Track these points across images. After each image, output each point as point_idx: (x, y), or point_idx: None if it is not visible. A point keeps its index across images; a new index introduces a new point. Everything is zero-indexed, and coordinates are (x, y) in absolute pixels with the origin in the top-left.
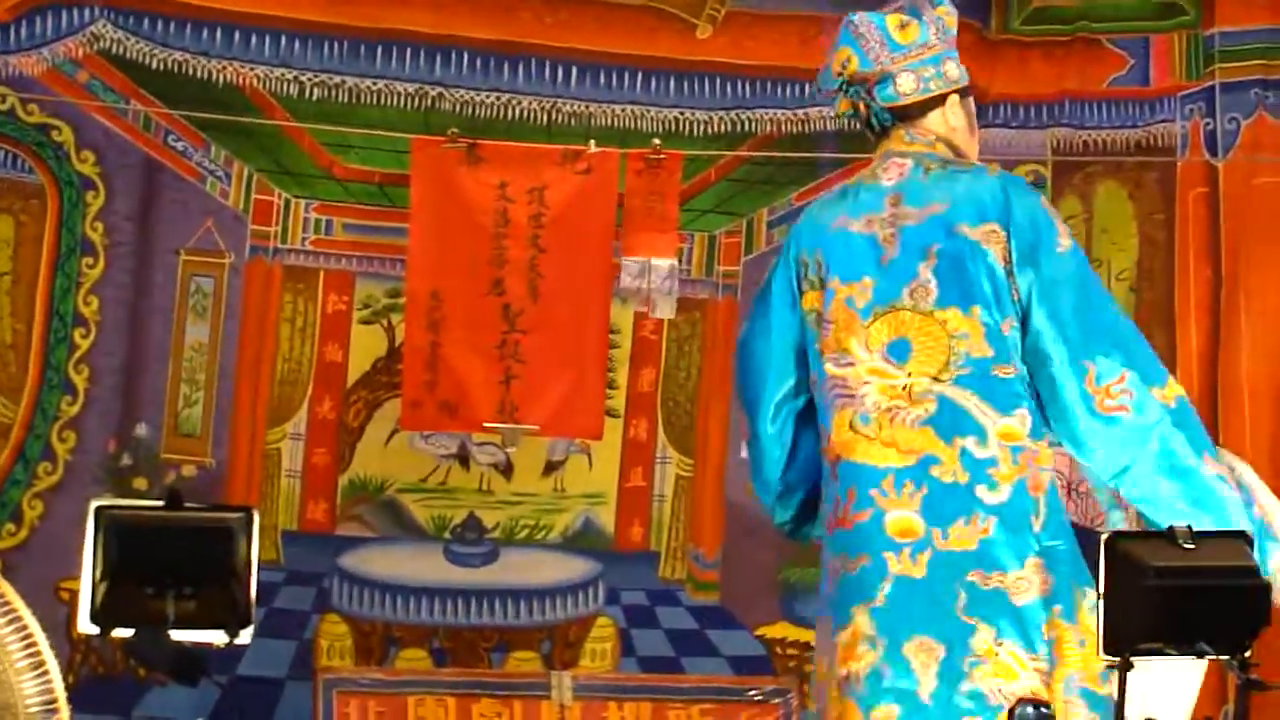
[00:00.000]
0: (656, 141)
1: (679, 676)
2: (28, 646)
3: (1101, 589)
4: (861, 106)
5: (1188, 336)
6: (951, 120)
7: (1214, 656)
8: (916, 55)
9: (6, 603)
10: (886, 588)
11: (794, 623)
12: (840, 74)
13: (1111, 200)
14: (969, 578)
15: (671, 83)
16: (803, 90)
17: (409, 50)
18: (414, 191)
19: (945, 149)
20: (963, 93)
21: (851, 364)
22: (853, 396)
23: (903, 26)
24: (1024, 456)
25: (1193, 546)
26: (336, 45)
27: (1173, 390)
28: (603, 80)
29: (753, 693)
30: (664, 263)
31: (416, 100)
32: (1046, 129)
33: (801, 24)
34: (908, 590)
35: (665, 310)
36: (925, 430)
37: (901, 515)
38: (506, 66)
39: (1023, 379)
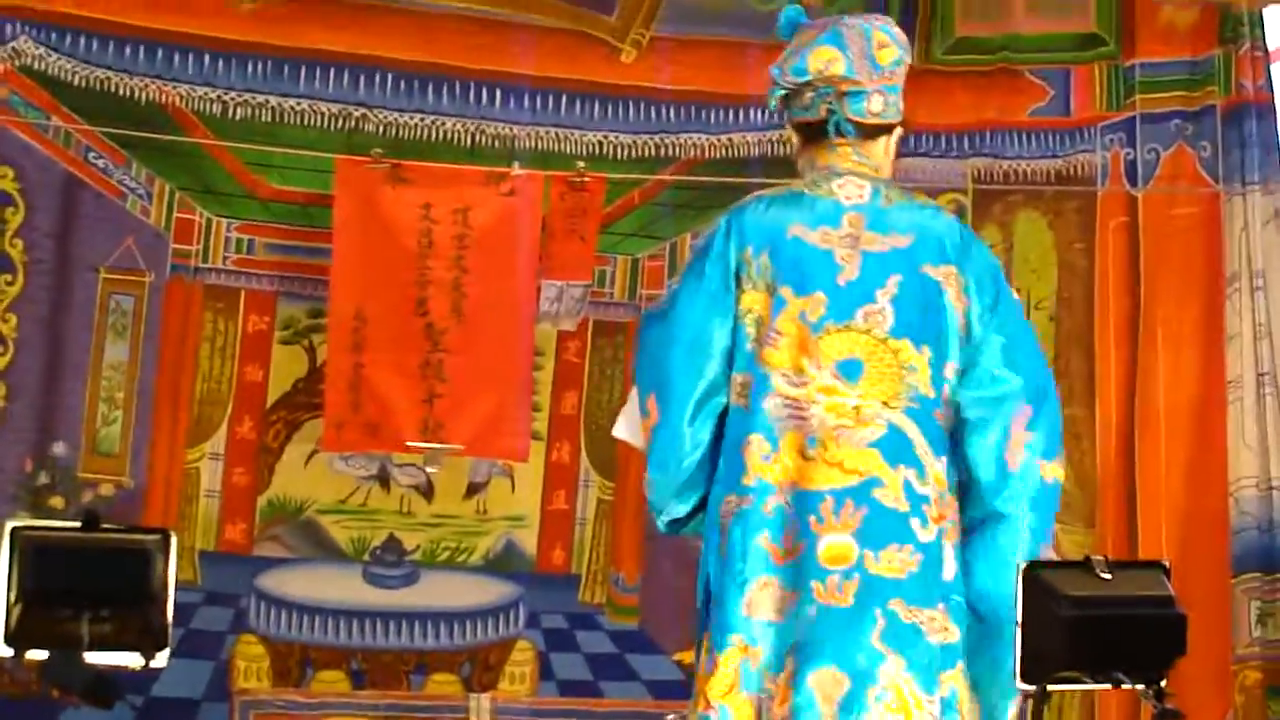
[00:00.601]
0: (581, 164)
1: (597, 700)
2: None
3: (1019, 618)
4: (823, 109)
5: (1106, 363)
6: (890, 149)
7: (1130, 686)
8: (888, 79)
9: None
10: (806, 625)
11: None
12: (819, 72)
13: (1031, 229)
14: (891, 605)
15: (596, 106)
16: (727, 115)
17: (333, 70)
18: (337, 211)
19: (882, 175)
20: (903, 125)
21: (805, 383)
22: (804, 420)
23: (882, 46)
24: (947, 503)
25: (1109, 576)
26: (260, 64)
27: (1055, 471)
28: (527, 103)
29: (670, 717)
30: (579, 286)
31: (340, 120)
32: (967, 158)
33: (725, 50)
34: (828, 622)
35: (568, 325)
36: (872, 452)
37: (836, 540)
38: (430, 88)
39: (946, 426)
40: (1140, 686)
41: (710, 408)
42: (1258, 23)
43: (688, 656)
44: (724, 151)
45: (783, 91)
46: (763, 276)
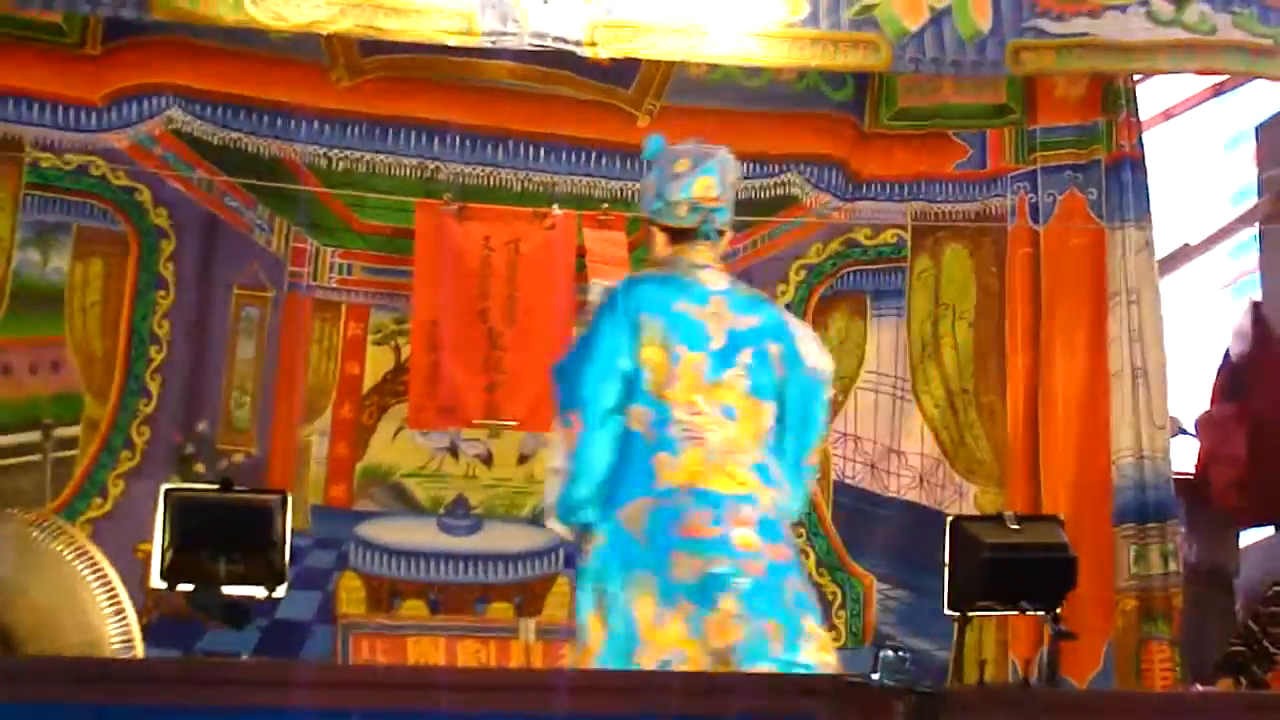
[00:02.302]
0: (605, 205)
1: None
2: (111, 597)
3: (947, 559)
4: (697, 220)
5: (1015, 361)
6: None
7: (1033, 613)
8: (731, 197)
9: (95, 563)
10: (744, 584)
11: None
12: (701, 195)
13: (956, 258)
14: (789, 581)
15: (617, 160)
16: None
17: (413, 132)
18: (417, 243)
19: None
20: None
21: (700, 414)
22: (702, 441)
23: (734, 173)
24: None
25: (1017, 527)
26: (356, 128)
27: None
28: (564, 157)
29: None
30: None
31: (419, 172)
32: (906, 202)
33: (720, 116)
34: (757, 587)
35: None
36: (754, 474)
37: (744, 533)
38: (489, 146)
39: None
40: (1041, 613)
41: (612, 423)
42: (1131, 96)
43: None
44: None
45: (661, 204)
46: (657, 336)
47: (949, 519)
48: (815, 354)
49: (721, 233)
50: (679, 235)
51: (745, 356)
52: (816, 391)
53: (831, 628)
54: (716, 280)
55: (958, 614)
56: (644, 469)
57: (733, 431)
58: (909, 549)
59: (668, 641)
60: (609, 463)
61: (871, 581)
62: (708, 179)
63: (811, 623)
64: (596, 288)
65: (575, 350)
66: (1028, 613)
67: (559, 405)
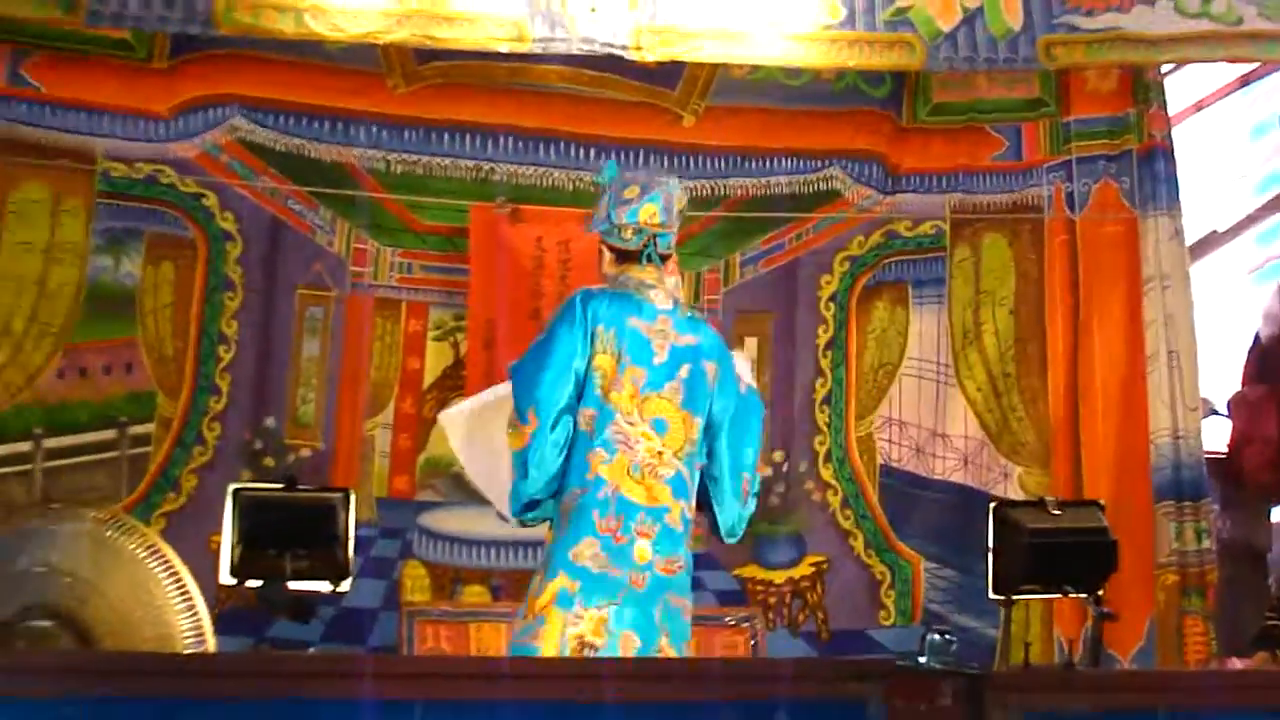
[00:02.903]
0: None
1: None
2: (182, 592)
3: (991, 545)
4: (642, 244)
5: (1055, 345)
6: (673, 266)
7: (1075, 595)
8: (676, 224)
9: (166, 560)
10: (623, 596)
11: (760, 565)
12: (646, 221)
13: (995, 247)
14: (667, 596)
15: (665, 159)
16: (763, 164)
17: (468, 136)
18: (472, 245)
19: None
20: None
21: (633, 424)
22: (631, 449)
23: (680, 200)
24: (696, 521)
25: (1059, 512)
26: (413, 132)
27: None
28: (613, 157)
29: (728, 619)
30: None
31: (474, 173)
32: (944, 194)
33: (762, 115)
34: (632, 599)
35: None
36: (667, 488)
37: (644, 545)
38: (541, 147)
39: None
40: (1083, 595)
41: (564, 422)
42: (1160, 89)
43: (744, 571)
44: (762, 191)
45: (609, 226)
46: (610, 347)
47: (992, 505)
48: (748, 376)
49: (665, 256)
50: (624, 256)
51: (683, 372)
52: (755, 409)
53: (881, 607)
54: (663, 300)
55: (1002, 598)
56: (582, 462)
57: (658, 444)
58: (956, 530)
59: (559, 622)
60: (559, 460)
61: (919, 561)
62: (653, 206)
63: (665, 642)
64: None
65: (532, 352)
66: (1069, 595)
67: (515, 404)
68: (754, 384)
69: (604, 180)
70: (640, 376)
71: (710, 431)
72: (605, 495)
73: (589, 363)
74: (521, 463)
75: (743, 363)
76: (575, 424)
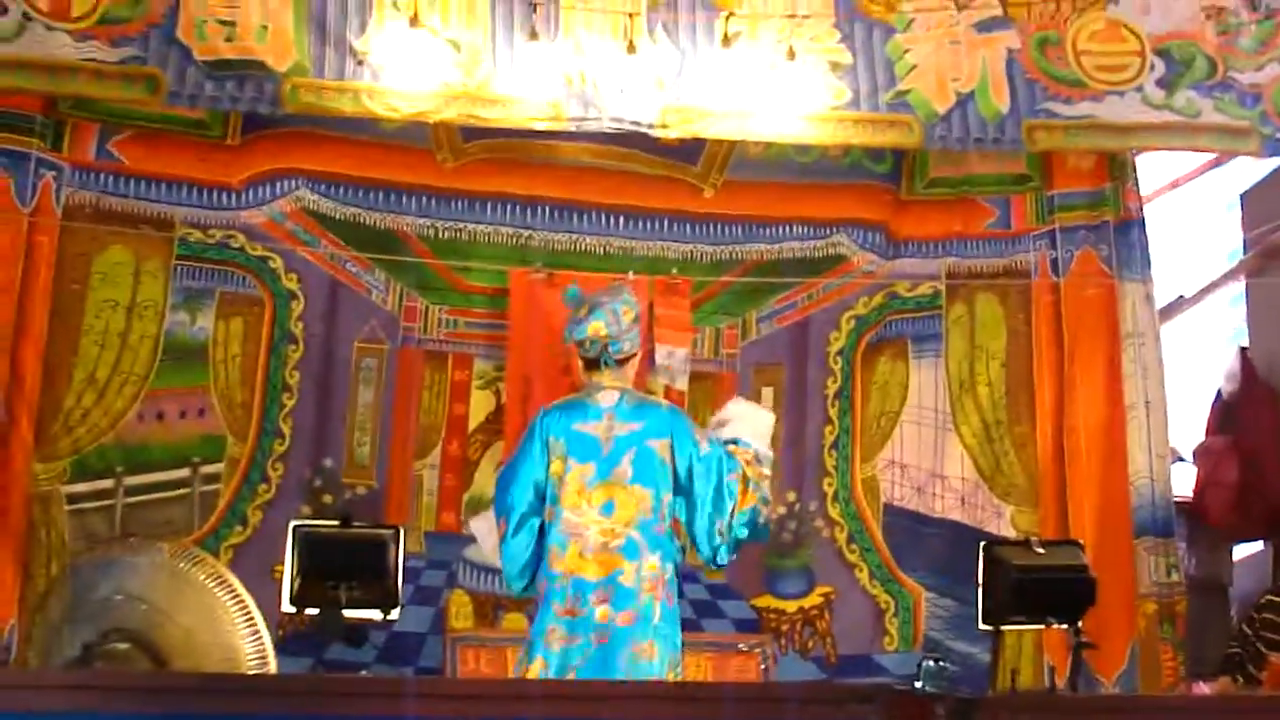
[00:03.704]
0: (674, 270)
1: (692, 634)
2: (247, 618)
3: (980, 579)
4: (596, 351)
5: (1043, 395)
6: (634, 369)
7: (1057, 626)
8: (629, 330)
9: (233, 589)
10: (588, 654)
11: (774, 595)
12: (594, 334)
13: (988, 306)
14: (630, 647)
15: (687, 227)
16: (774, 232)
17: (508, 205)
18: (511, 307)
19: (632, 386)
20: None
21: (582, 516)
22: (582, 537)
23: (626, 314)
24: (657, 578)
25: (1043, 551)
26: (459, 202)
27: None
28: (640, 225)
29: (740, 645)
30: (681, 351)
31: (514, 239)
32: (941, 258)
33: (775, 188)
34: (599, 655)
35: (681, 383)
36: (619, 556)
37: (603, 609)
38: (574, 216)
39: (667, 533)
40: (1065, 625)
41: (528, 525)
42: (1133, 167)
43: (760, 601)
44: (775, 256)
45: (571, 342)
46: (561, 455)
47: (981, 544)
48: (753, 430)
49: (623, 359)
50: (588, 364)
51: (629, 456)
52: (713, 465)
53: (885, 634)
54: (609, 398)
55: (991, 628)
56: (545, 556)
57: (609, 523)
58: (953, 563)
59: None
60: (526, 555)
61: (920, 592)
62: (598, 322)
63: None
64: (663, 350)
65: (508, 463)
66: (1052, 626)
67: (494, 509)
68: (741, 436)
69: (567, 303)
70: (588, 472)
71: (681, 489)
72: (562, 585)
73: (546, 470)
74: (500, 557)
75: (753, 412)
76: (541, 523)
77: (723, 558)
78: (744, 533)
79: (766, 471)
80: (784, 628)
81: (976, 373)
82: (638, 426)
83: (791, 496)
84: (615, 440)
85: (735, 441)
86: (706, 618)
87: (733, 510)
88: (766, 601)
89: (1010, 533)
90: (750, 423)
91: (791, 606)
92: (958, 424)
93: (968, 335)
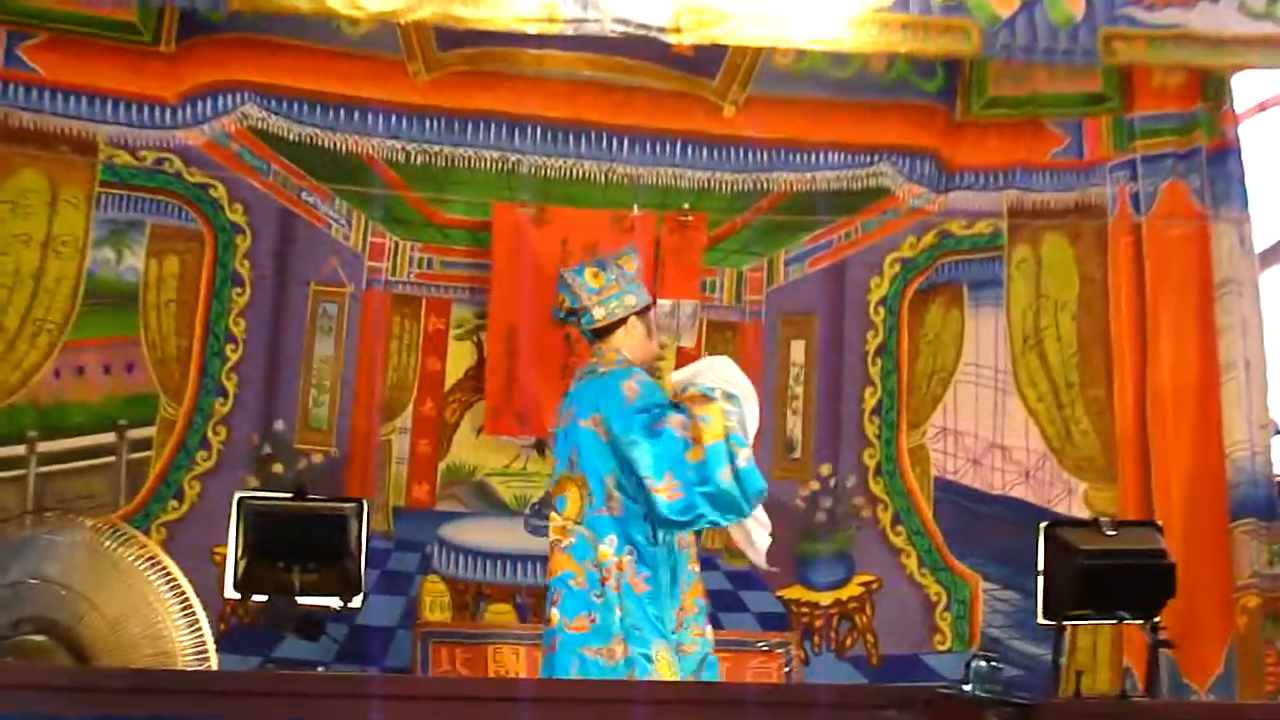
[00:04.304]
0: (686, 206)
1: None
2: (184, 606)
3: (1041, 567)
4: (573, 325)
5: (1122, 354)
6: (630, 334)
7: (1131, 622)
8: (605, 295)
9: (167, 572)
10: (541, 662)
11: (806, 586)
12: (562, 310)
13: (1056, 248)
14: (582, 650)
15: (704, 152)
16: (805, 158)
17: (492, 126)
18: (494, 246)
19: (622, 356)
20: (641, 312)
21: (550, 520)
22: (554, 541)
23: (595, 275)
24: (614, 565)
25: (1114, 533)
26: (435, 122)
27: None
28: (648, 149)
29: (760, 644)
30: (688, 304)
31: (499, 165)
32: (1002, 191)
33: (807, 107)
34: (548, 662)
35: (688, 341)
36: (568, 555)
37: (553, 611)
38: (571, 138)
39: (612, 516)
40: (1139, 622)
41: None
42: (1229, 87)
43: (789, 593)
44: (806, 187)
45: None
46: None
47: (1042, 526)
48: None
49: (601, 329)
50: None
51: (574, 446)
52: (625, 424)
53: (936, 630)
54: (575, 383)
55: (1052, 623)
56: None
57: (561, 520)
58: (1017, 548)
59: None
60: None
61: (977, 581)
62: (560, 297)
63: None
64: (664, 305)
65: None
66: (1125, 622)
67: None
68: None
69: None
70: (556, 465)
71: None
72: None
73: None
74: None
75: (724, 366)
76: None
77: (675, 515)
78: (718, 478)
79: (745, 412)
80: (817, 623)
81: (1043, 325)
82: (572, 411)
83: (826, 470)
84: (561, 434)
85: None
86: (725, 611)
87: (687, 457)
88: (797, 593)
89: (1083, 513)
90: (719, 372)
91: (826, 598)
92: (1021, 385)
93: (1033, 282)
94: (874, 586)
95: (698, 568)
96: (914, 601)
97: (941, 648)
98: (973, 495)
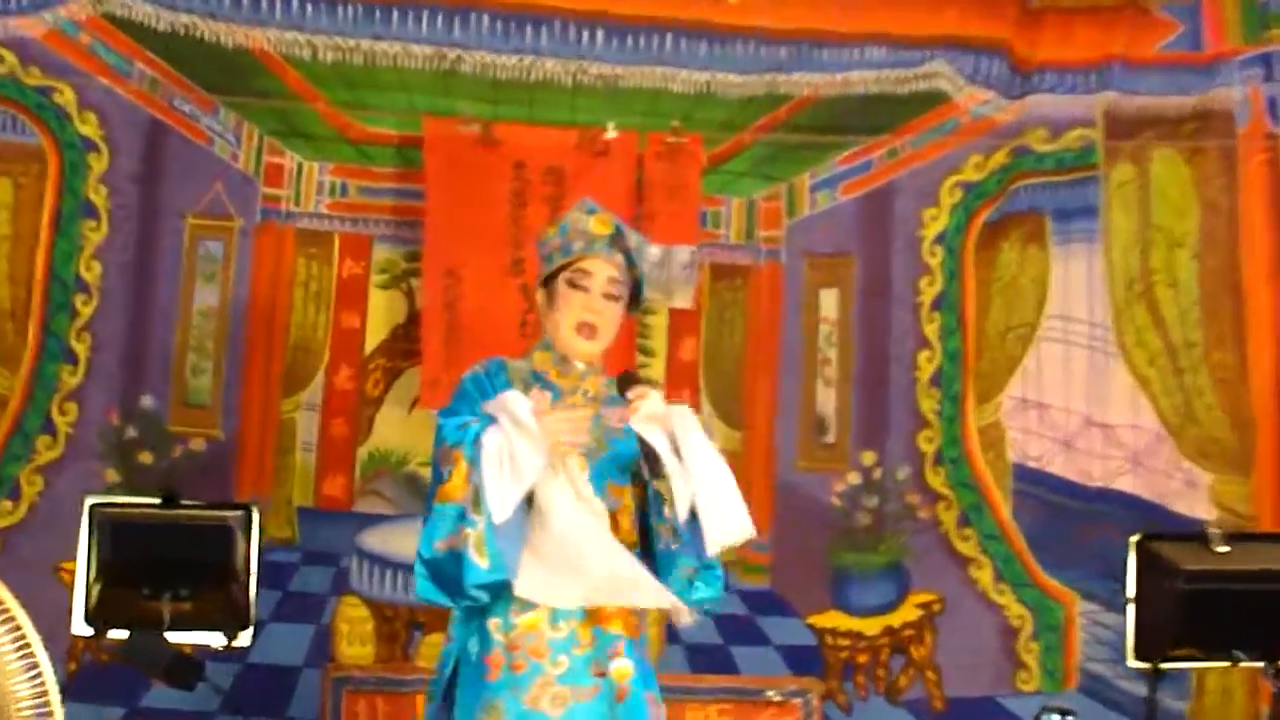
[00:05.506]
0: (675, 123)
1: (698, 677)
2: (21, 647)
3: (1131, 592)
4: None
5: (1256, 301)
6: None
7: (1249, 664)
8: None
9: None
10: None
11: (845, 611)
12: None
13: (1168, 166)
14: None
15: (702, 47)
16: (835, 55)
17: (426, 13)
18: (428, 172)
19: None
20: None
21: None
22: None
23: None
24: None
25: (1227, 549)
26: (350, 8)
27: None
28: (630, 43)
29: (770, 693)
30: (684, 251)
31: (435, 62)
32: (1094, 94)
33: None
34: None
35: (683, 300)
36: None
37: (619, 665)
38: (529, 28)
39: None
40: (1260, 664)
41: None
42: None
43: (823, 619)
44: (837, 92)
45: None
46: None
47: (1132, 540)
48: None
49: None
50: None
51: None
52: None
53: (1019, 665)
54: None
55: (1147, 665)
56: None
57: None
58: (1125, 558)
59: None
60: None
61: (1073, 602)
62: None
63: None
64: (653, 252)
65: None
66: (1240, 664)
67: None
68: None
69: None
70: None
71: None
72: None
73: None
74: None
75: None
76: None
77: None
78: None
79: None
80: (861, 659)
81: (1153, 267)
82: None
83: (869, 459)
84: None
85: None
86: (739, 644)
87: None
88: (833, 619)
89: (1209, 512)
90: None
91: (873, 626)
92: (1126, 345)
93: (1139, 211)
94: (936, 609)
95: None
96: (989, 628)
97: (1026, 687)
98: (1065, 488)
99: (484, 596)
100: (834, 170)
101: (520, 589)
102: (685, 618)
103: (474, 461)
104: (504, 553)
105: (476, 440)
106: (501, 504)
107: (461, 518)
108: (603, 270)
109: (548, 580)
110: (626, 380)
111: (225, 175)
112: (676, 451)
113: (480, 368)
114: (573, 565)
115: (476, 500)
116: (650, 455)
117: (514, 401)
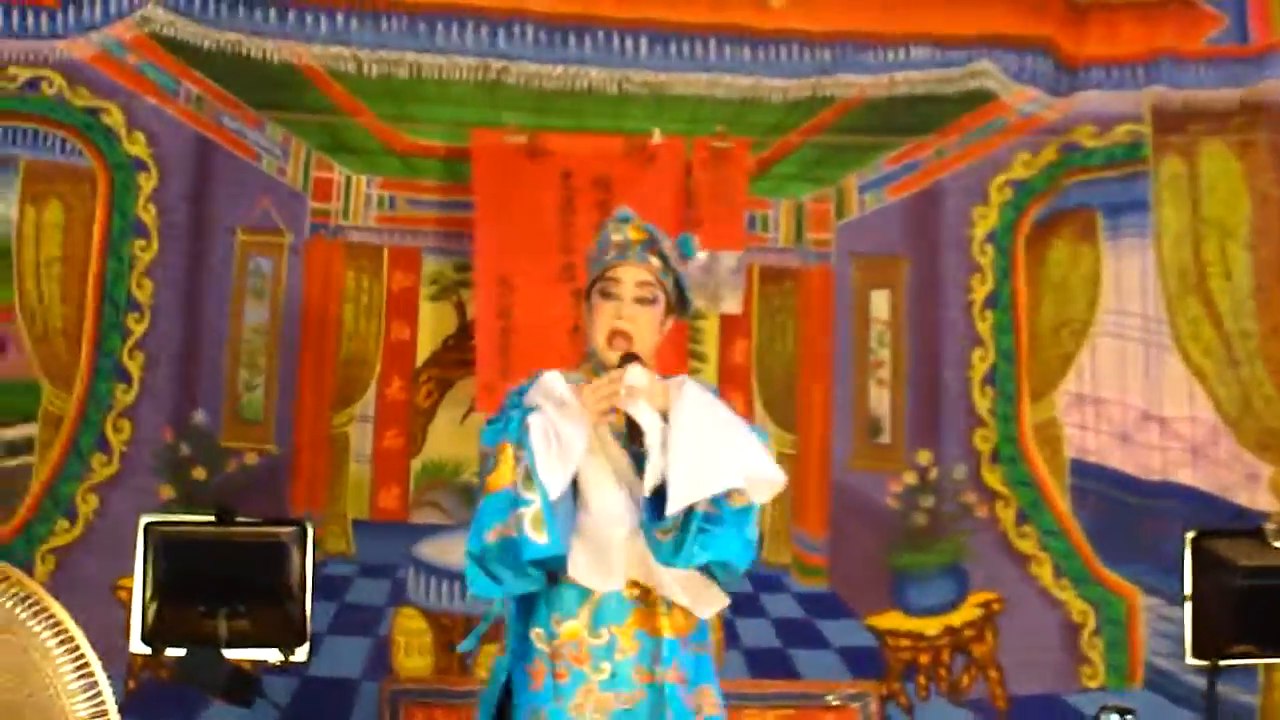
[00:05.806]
0: (720, 128)
1: (757, 682)
2: (79, 667)
3: (1188, 590)
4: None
5: None
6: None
7: None
8: None
9: (53, 619)
10: None
11: (905, 611)
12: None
13: (1218, 159)
14: None
15: (747, 51)
16: (881, 56)
17: (470, 24)
18: (477, 183)
19: None
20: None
21: None
22: None
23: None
24: None
25: None
26: (394, 21)
27: None
28: (674, 50)
29: (829, 698)
30: (730, 256)
31: (480, 73)
32: (1142, 89)
33: None
34: None
35: (732, 305)
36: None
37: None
38: (573, 38)
39: None
40: None
41: None
42: None
43: (882, 621)
44: (883, 93)
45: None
46: None
47: (1189, 536)
48: None
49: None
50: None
51: None
52: None
53: (1083, 661)
54: None
55: (1205, 662)
56: None
57: None
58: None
59: None
60: None
61: (1136, 596)
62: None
63: None
64: (699, 260)
65: None
66: None
67: None
68: None
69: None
70: None
71: None
72: None
73: None
74: None
75: None
76: None
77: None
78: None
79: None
80: (923, 659)
81: (1206, 260)
82: None
83: (924, 459)
84: None
85: None
86: (799, 647)
87: None
88: (893, 620)
89: (1271, 504)
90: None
91: (933, 626)
92: (1181, 338)
93: (1189, 204)
94: (996, 607)
95: None
96: (1051, 624)
97: (1092, 684)
98: (1124, 482)
99: (539, 577)
100: (882, 171)
101: (571, 569)
102: (702, 610)
103: (521, 443)
104: (561, 529)
105: (521, 423)
106: (554, 480)
107: (514, 502)
108: (632, 275)
109: (590, 561)
110: (624, 363)
111: (274, 191)
112: None
113: (526, 382)
114: (612, 545)
115: (529, 478)
116: (633, 428)
117: (552, 380)
